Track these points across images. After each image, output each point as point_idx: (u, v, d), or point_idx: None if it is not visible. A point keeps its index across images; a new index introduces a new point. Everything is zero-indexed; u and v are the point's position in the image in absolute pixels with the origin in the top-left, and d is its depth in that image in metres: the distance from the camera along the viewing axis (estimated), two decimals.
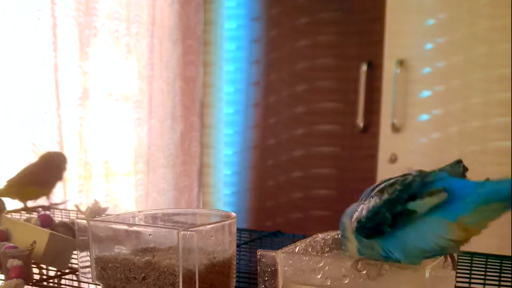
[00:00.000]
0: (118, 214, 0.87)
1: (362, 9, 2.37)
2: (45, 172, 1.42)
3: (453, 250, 0.65)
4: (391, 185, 0.66)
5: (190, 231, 0.74)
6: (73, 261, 0.97)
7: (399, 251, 0.63)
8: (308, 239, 0.74)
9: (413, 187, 0.64)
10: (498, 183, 0.62)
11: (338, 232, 0.73)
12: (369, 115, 2.35)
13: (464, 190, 0.63)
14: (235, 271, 0.83)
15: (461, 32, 2.08)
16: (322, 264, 0.64)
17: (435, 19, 2.13)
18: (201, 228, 0.77)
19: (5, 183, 1.39)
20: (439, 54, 2.13)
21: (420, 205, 0.62)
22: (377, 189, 0.67)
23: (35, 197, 1.42)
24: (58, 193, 1.99)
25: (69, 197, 2.04)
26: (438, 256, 0.65)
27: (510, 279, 0.96)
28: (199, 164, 2.74)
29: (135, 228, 0.80)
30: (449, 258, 0.67)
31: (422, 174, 0.66)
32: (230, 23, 2.66)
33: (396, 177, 0.68)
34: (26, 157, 1.90)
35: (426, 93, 2.16)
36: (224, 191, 2.74)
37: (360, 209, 0.67)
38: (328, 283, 0.64)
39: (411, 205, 0.63)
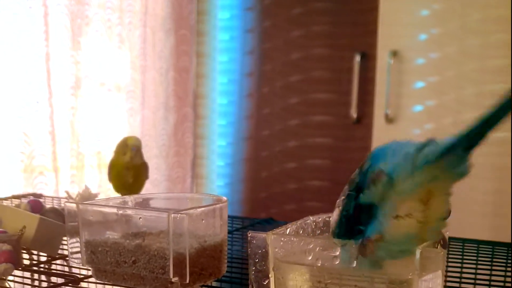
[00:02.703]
0: (108, 198, 0.87)
1: None
2: None
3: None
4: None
5: (181, 214, 0.73)
6: (64, 246, 0.96)
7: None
8: (299, 222, 0.73)
9: (356, 182, 0.63)
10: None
11: (329, 215, 0.73)
12: (362, 106, 2.35)
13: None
14: (226, 256, 0.83)
15: (455, 23, 2.08)
16: (312, 245, 0.64)
17: (429, 10, 2.12)
18: (192, 211, 0.77)
19: None
20: (433, 45, 2.12)
21: (368, 196, 0.61)
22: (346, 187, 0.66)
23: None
24: (50, 184, 1.99)
25: (61, 187, 2.03)
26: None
27: (502, 265, 0.96)
28: (192, 155, 2.74)
29: (125, 212, 0.79)
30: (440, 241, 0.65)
31: (360, 166, 0.63)
32: (223, 13, 2.66)
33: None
34: (18, 146, 1.89)
35: (419, 84, 2.16)
36: (218, 182, 2.73)
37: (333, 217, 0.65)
38: (319, 264, 0.63)
39: (362, 199, 0.61)
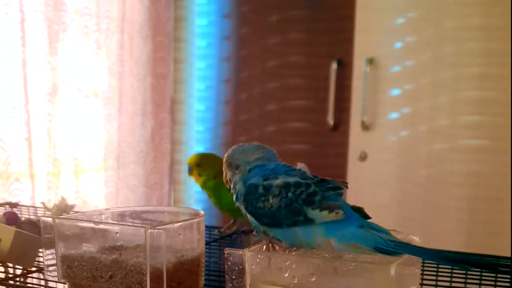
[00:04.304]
0: (85, 212, 0.86)
1: (332, 7, 2.38)
2: None
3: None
4: (296, 185, 0.72)
5: (158, 229, 0.73)
6: (40, 259, 0.96)
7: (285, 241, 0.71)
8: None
9: (314, 199, 0.70)
10: (370, 234, 0.69)
11: None
12: (339, 113, 2.36)
13: (350, 219, 0.70)
14: (203, 269, 0.83)
15: (430, 31, 2.10)
16: (289, 262, 0.64)
17: (404, 18, 2.15)
18: (169, 226, 0.77)
19: None
20: (408, 53, 2.15)
21: (319, 217, 0.69)
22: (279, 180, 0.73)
23: None
24: (26, 190, 1.97)
25: (38, 194, 2.02)
26: None
27: (477, 276, 0.98)
28: (170, 161, 2.73)
29: (101, 226, 0.79)
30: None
31: (322, 187, 0.72)
32: (200, 20, 2.66)
33: (295, 174, 0.75)
34: None
35: (395, 92, 2.18)
36: (196, 188, 2.72)
37: (263, 200, 0.73)
38: (295, 281, 0.64)
39: (311, 214, 0.69)
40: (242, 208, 0.76)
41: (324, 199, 0.70)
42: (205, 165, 1.30)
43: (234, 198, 0.79)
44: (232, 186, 0.80)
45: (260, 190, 0.73)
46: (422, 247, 0.68)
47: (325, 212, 0.69)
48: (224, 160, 0.83)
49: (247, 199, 0.74)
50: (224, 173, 0.82)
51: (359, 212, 0.73)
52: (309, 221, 0.69)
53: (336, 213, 0.69)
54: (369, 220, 0.72)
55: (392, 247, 0.66)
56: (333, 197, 0.71)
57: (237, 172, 0.79)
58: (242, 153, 0.82)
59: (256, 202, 0.73)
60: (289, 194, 0.71)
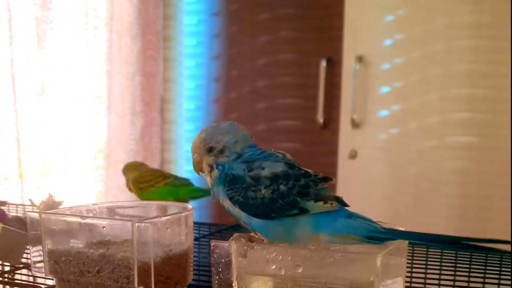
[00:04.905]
0: (72, 207, 0.86)
1: (321, 5, 2.38)
2: None
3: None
4: (285, 176, 0.71)
5: (145, 223, 0.73)
6: (28, 255, 0.95)
7: (263, 232, 0.71)
8: None
9: (308, 191, 0.71)
10: (360, 223, 0.69)
11: None
12: (329, 111, 2.36)
13: (337, 211, 0.71)
14: (192, 264, 0.83)
15: (419, 29, 2.11)
16: (275, 254, 0.64)
17: (393, 16, 2.15)
18: (157, 220, 0.77)
19: None
20: (398, 50, 2.15)
21: (314, 207, 0.69)
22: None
23: None
24: (15, 190, 1.96)
25: (26, 194, 2.01)
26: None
27: (466, 269, 0.98)
28: (160, 160, 2.73)
29: (88, 221, 0.79)
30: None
31: (313, 179, 0.72)
32: (190, 18, 2.65)
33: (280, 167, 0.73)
34: None
35: (385, 89, 2.18)
36: None
37: (254, 190, 0.71)
38: (282, 273, 0.64)
39: (306, 205, 0.69)
40: (225, 197, 0.74)
41: (317, 191, 0.70)
42: (125, 174, 1.40)
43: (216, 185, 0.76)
44: (216, 173, 0.76)
45: (248, 179, 0.72)
46: (412, 231, 0.69)
47: (320, 203, 0.69)
48: (198, 144, 0.77)
49: (233, 188, 0.73)
50: (195, 160, 0.78)
51: (338, 201, 0.72)
52: (303, 212, 0.69)
53: (331, 203, 0.70)
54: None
55: (384, 233, 0.67)
56: (324, 189, 0.71)
57: (222, 156, 0.77)
58: (223, 134, 0.78)
59: (245, 192, 0.72)
60: (281, 187, 0.70)
